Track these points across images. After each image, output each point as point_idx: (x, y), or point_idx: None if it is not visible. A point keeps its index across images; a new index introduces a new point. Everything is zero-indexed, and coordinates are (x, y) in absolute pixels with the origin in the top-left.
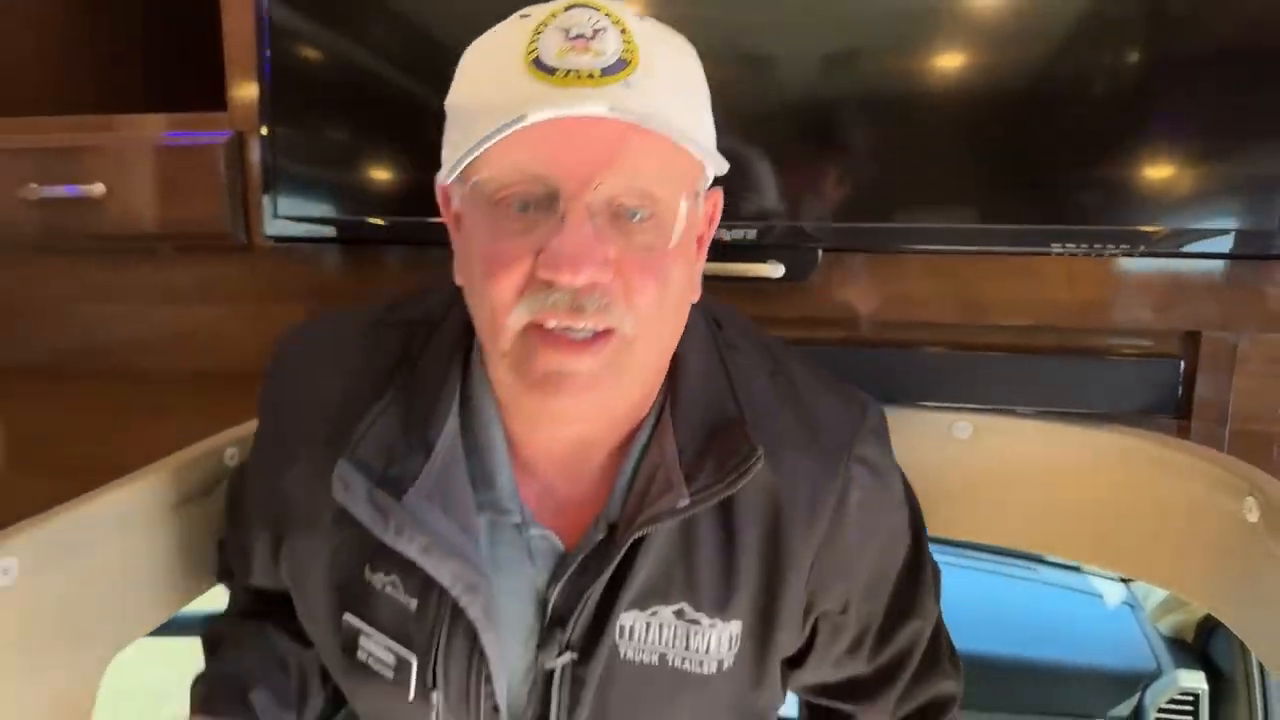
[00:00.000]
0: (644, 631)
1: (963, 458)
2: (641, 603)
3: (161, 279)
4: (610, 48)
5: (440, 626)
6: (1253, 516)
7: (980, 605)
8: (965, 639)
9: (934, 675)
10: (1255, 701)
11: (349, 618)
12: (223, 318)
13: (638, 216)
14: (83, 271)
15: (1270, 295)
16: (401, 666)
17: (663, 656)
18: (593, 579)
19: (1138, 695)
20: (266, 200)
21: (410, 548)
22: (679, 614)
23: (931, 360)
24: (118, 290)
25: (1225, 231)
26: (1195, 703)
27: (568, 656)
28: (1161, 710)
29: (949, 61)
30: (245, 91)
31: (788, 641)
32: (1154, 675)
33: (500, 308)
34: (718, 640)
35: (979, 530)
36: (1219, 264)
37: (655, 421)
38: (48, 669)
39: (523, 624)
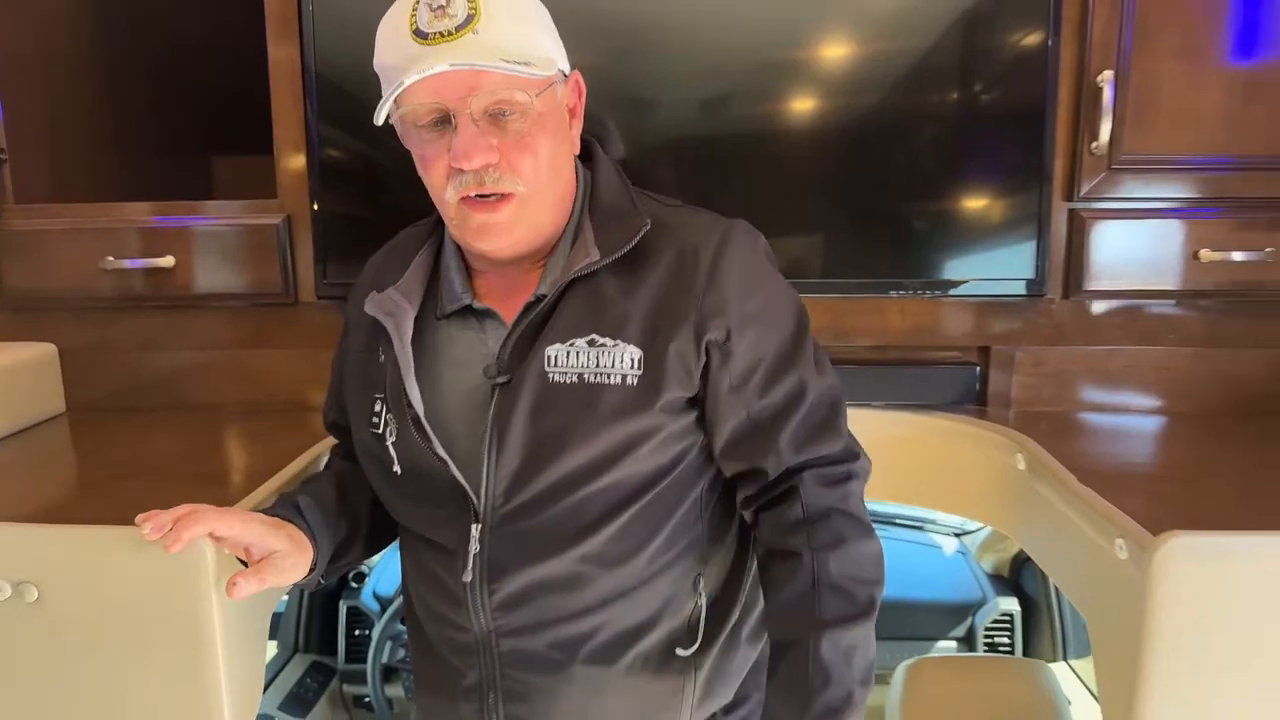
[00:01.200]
0: (566, 358)
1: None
2: (563, 337)
3: (218, 330)
4: (459, 9)
5: (389, 368)
6: (1021, 466)
7: None
8: None
9: (829, 435)
10: (1054, 617)
11: (367, 392)
12: (273, 358)
13: (506, 115)
14: (149, 325)
15: (1035, 320)
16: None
17: (581, 375)
18: (524, 326)
19: (969, 620)
20: (316, 268)
21: (369, 305)
22: (590, 342)
23: None
24: (180, 338)
25: (1005, 279)
26: (1011, 622)
27: (502, 378)
28: (987, 630)
29: (802, 106)
30: (294, 183)
31: (683, 363)
32: (981, 603)
33: (438, 189)
34: (620, 358)
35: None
36: (1002, 300)
37: (576, 228)
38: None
39: (473, 372)
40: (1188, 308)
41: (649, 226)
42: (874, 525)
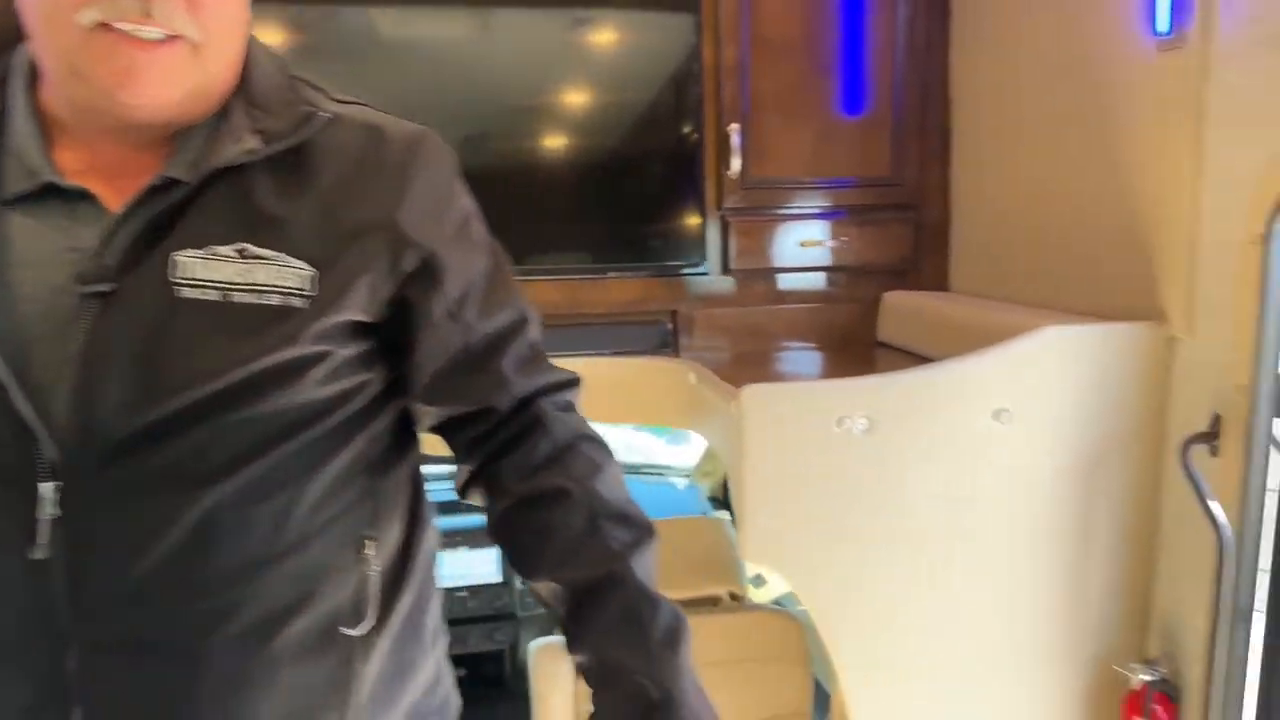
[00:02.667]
0: (202, 270)
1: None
2: (199, 243)
3: None
4: None
5: None
6: (693, 380)
7: None
8: None
9: (548, 360)
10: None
11: None
12: None
13: None
14: None
15: (704, 290)
16: None
17: (225, 293)
18: (140, 221)
19: None
20: None
21: None
22: (241, 252)
23: (554, 331)
24: None
25: (685, 263)
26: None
27: (103, 287)
28: None
29: (552, 142)
30: None
31: (368, 285)
32: None
33: (67, 6)
34: (280, 275)
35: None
36: (684, 277)
37: (223, 109)
38: None
39: (55, 275)
40: (800, 279)
41: (326, 117)
42: (646, 472)
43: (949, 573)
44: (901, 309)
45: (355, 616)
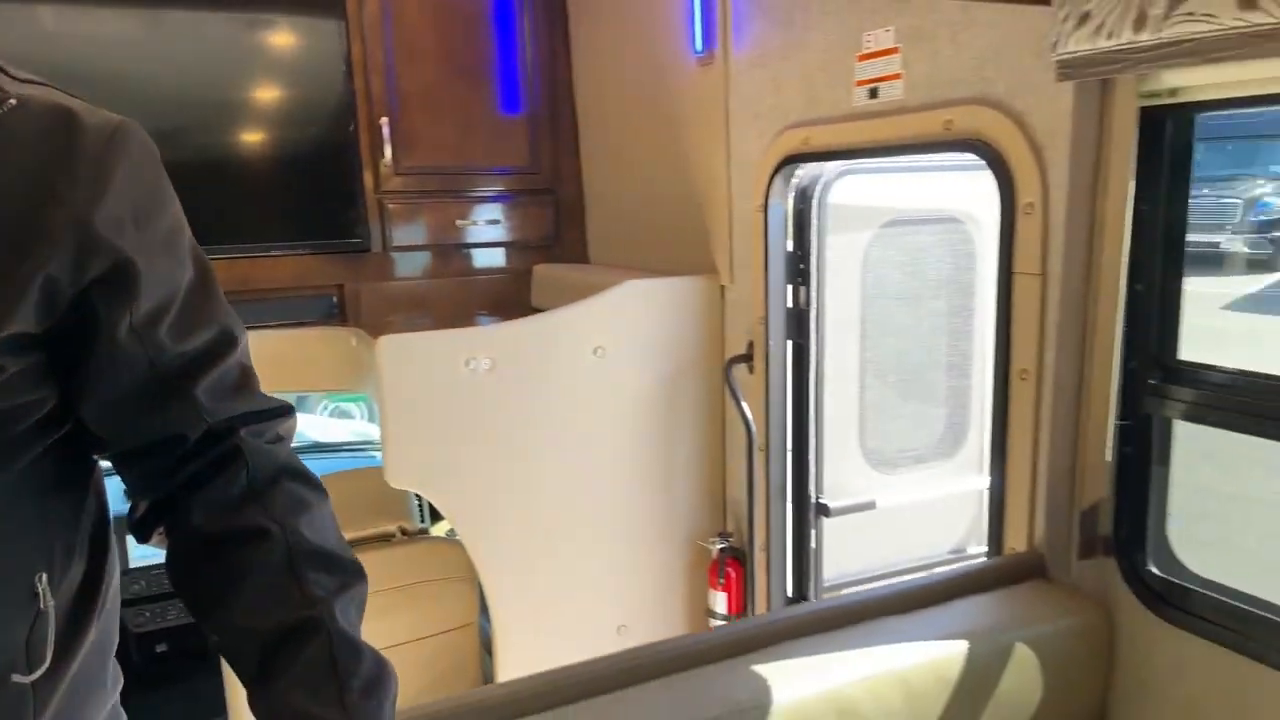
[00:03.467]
0: None
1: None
2: None
3: None
4: None
5: None
6: (354, 343)
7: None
8: None
9: (256, 385)
10: None
11: None
12: None
13: None
14: None
15: (367, 265)
16: None
17: None
18: None
19: None
20: None
21: None
22: None
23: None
24: None
25: (350, 240)
26: None
27: None
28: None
29: (226, 133)
30: None
31: (43, 291)
32: None
33: None
34: None
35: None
36: (349, 254)
37: None
38: None
39: None
40: (457, 255)
41: (13, 103)
42: (325, 453)
43: (565, 480)
44: (547, 278)
45: (28, 661)
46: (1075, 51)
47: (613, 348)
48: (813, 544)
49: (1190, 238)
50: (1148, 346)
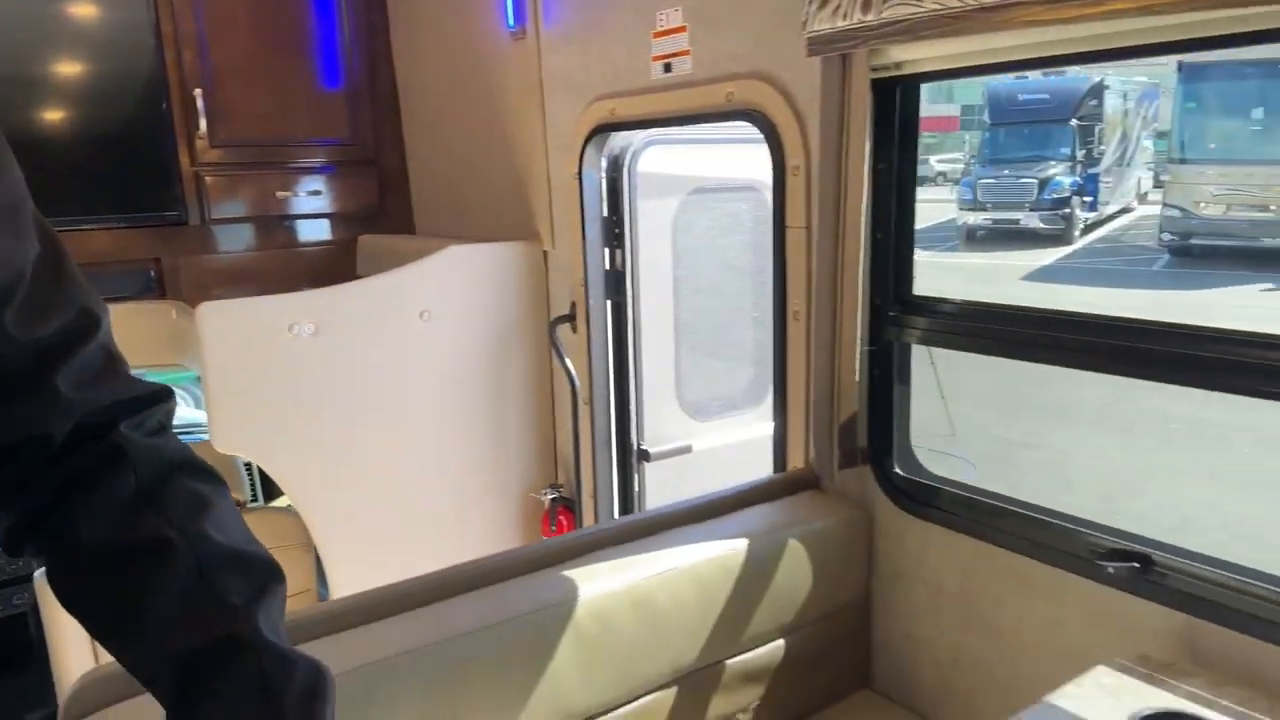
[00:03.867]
0: None
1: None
2: None
3: None
4: None
5: None
6: (174, 316)
7: None
8: None
9: (126, 370)
10: None
11: None
12: None
13: None
14: None
15: (186, 238)
16: None
17: None
18: None
19: None
20: None
21: None
22: None
23: None
24: None
25: (167, 213)
26: None
27: None
28: None
29: (41, 108)
30: None
31: None
32: None
33: None
34: None
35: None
36: (167, 227)
37: None
38: None
39: None
40: (280, 226)
41: None
42: (189, 432)
43: (396, 443)
44: (371, 248)
45: None
46: (819, 30)
47: (439, 311)
48: (636, 487)
49: (993, 215)
50: (887, 285)
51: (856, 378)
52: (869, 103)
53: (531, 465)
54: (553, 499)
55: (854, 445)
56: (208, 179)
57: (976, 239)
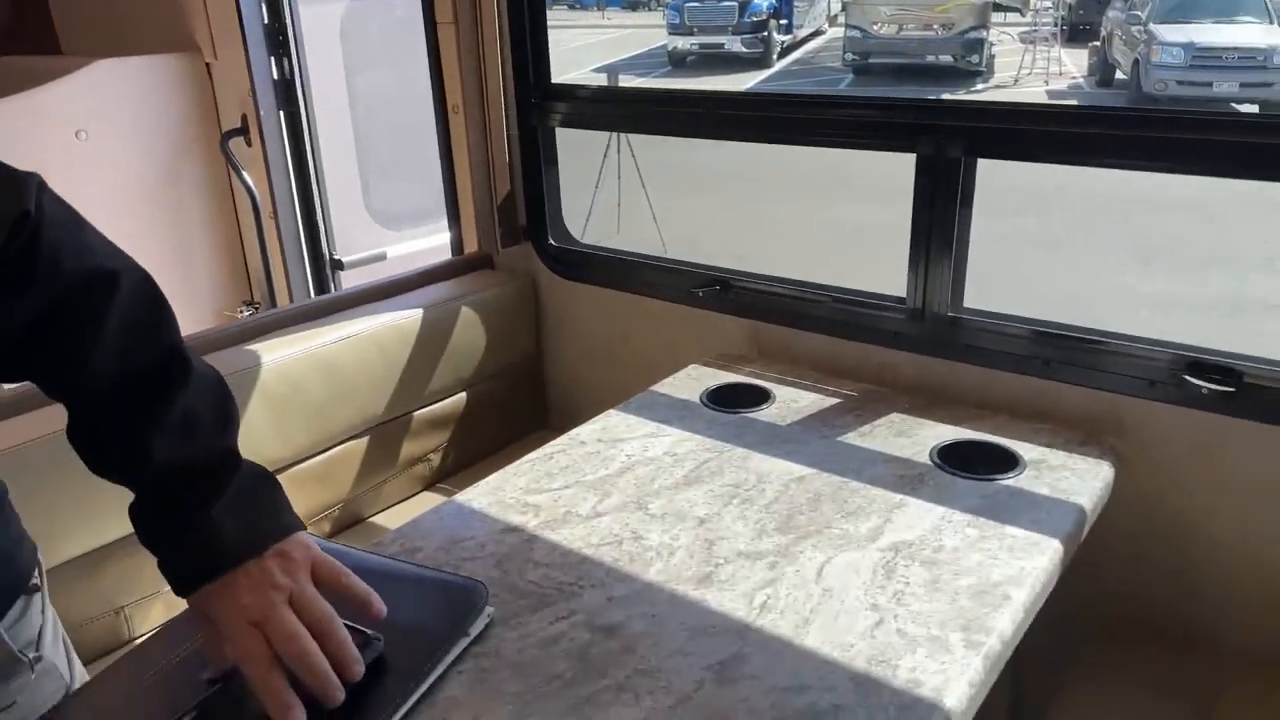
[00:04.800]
0: None
1: None
2: None
3: None
4: None
5: None
6: None
7: None
8: None
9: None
10: None
11: None
12: None
13: None
14: None
15: None
16: None
17: None
18: None
19: None
20: None
21: None
22: None
23: None
24: None
25: None
26: None
27: None
28: None
29: None
30: None
31: None
32: None
33: None
34: None
35: None
36: None
37: None
38: None
39: None
40: None
41: None
42: None
43: None
44: (11, 69)
45: None
46: None
47: (97, 131)
48: (333, 294)
49: (699, 40)
50: (528, 74)
51: (506, 160)
52: None
53: (222, 284)
54: (249, 315)
55: (515, 224)
56: None
57: (686, 64)
